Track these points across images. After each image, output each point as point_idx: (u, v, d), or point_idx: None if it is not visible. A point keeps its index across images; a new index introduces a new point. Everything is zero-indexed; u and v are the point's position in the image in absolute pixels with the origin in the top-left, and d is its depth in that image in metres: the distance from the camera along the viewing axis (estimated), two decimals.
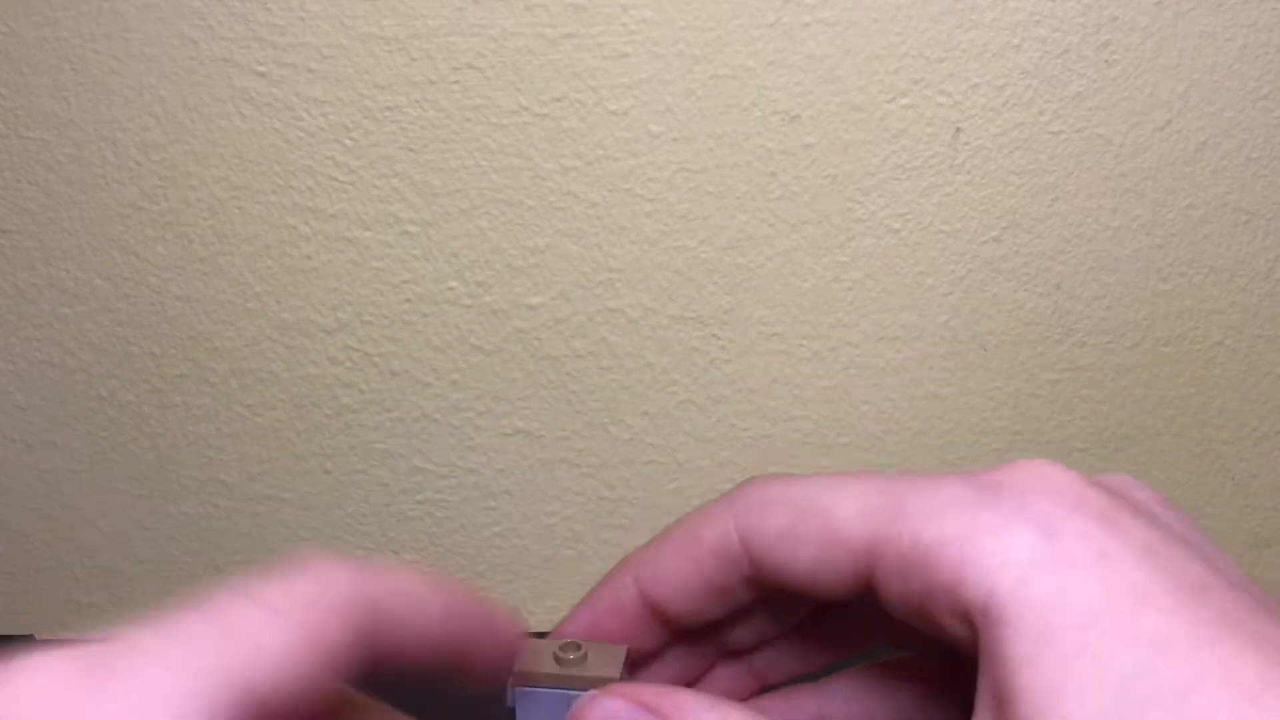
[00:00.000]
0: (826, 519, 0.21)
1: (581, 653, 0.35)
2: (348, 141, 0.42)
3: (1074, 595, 0.17)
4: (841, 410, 0.46)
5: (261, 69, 0.41)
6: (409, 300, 0.44)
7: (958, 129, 0.42)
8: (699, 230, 0.43)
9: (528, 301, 0.44)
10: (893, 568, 0.20)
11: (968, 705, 0.19)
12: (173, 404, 0.45)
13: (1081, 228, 0.43)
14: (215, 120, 0.42)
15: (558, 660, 0.35)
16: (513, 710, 0.36)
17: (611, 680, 0.35)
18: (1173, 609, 0.17)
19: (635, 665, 0.28)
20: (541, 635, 0.36)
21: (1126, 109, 0.41)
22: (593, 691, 0.24)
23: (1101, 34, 0.40)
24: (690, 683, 0.27)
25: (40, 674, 0.17)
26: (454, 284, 0.44)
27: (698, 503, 0.52)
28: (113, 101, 0.41)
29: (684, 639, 0.26)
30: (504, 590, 0.48)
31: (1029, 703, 0.17)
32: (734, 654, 0.26)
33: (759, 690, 0.26)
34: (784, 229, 0.43)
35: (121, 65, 0.41)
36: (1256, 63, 0.41)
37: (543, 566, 0.48)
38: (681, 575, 0.25)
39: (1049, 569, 0.18)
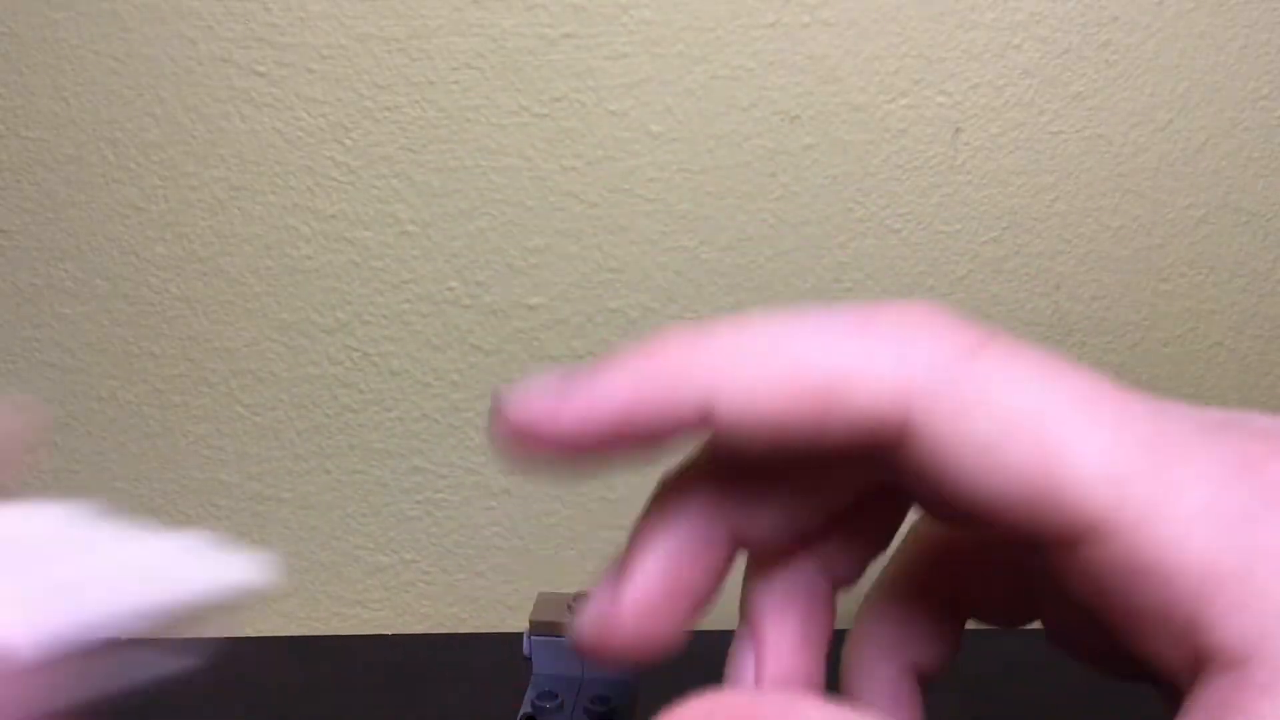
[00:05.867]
0: (1051, 457, 0.16)
1: None
2: (347, 141, 0.42)
3: None
4: None
5: (261, 69, 0.41)
6: (409, 300, 0.44)
7: (958, 129, 0.42)
8: (699, 230, 0.43)
9: (528, 302, 0.44)
10: (1120, 566, 0.16)
11: None
12: (173, 404, 0.45)
13: (1081, 228, 0.43)
14: (215, 120, 0.41)
15: (571, 611, 0.36)
16: (529, 659, 0.36)
17: None
18: None
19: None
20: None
21: (1126, 109, 0.41)
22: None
23: (1101, 34, 0.40)
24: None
25: None
26: (454, 284, 0.44)
27: None
28: (113, 101, 0.41)
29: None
30: (504, 590, 0.48)
31: None
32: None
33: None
34: (784, 229, 0.43)
35: (121, 65, 0.41)
36: (1256, 63, 0.41)
37: (543, 566, 0.48)
38: (795, 430, 0.18)
39: None
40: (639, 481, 0.46)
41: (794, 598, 0.21)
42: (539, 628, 0.36)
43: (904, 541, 0.23)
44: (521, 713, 0.36)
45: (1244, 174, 0.42)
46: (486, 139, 0.42)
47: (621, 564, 0.21)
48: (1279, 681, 0.15)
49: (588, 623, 0.20)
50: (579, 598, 0.37)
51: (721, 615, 0.49)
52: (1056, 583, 0.17)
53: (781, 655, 0.20)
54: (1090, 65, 0.41)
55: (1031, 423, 0.16)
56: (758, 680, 0.20)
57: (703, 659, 0.40)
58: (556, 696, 0.36)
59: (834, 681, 0.22)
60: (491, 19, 0.40)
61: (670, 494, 0.20)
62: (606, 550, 0.47)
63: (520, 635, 0.37)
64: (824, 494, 0.20)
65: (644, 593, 0.20)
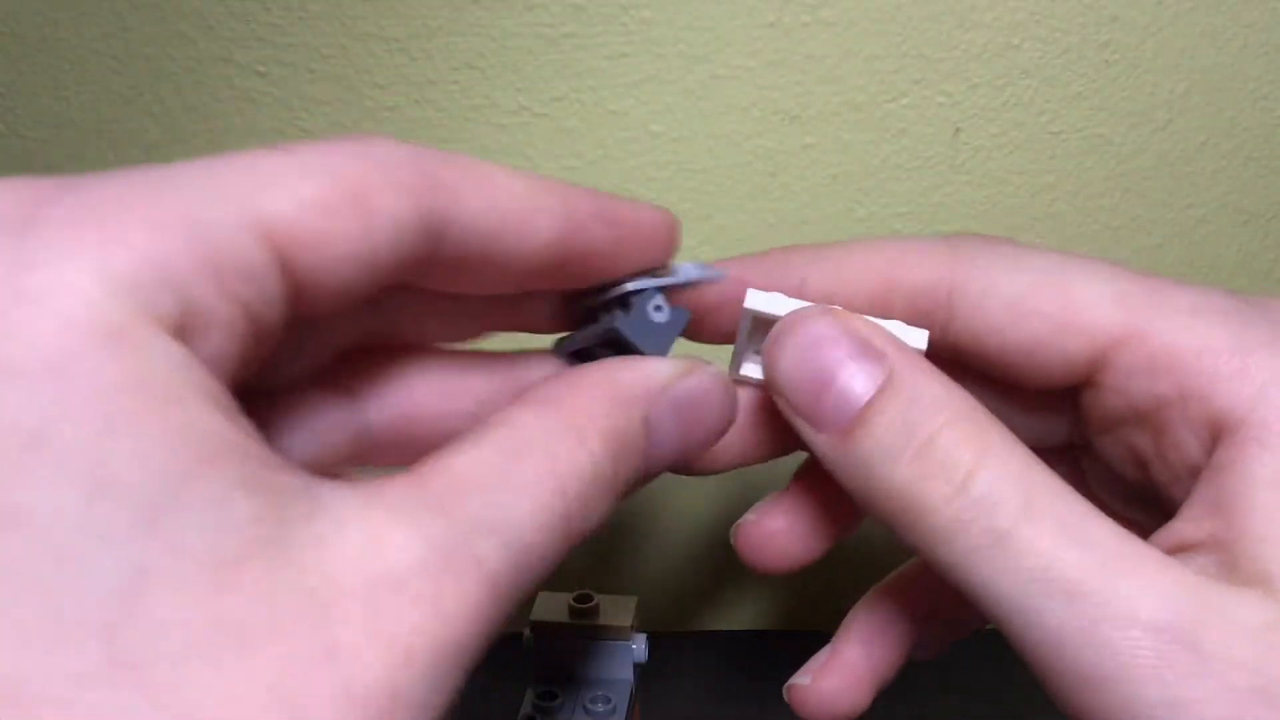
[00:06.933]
0: (1069, 294, 0.20)
1: (594, 602, 0.36)
2: None
3: None
4: None
5: (261, 69, 0.41)
6: None
7: (958, 129, 0.42)
8: (699, 230, 0.43)
9: None
10: (1138, 364, 0.20)
11: None
12: None
13: (1081, 228, 0.43)
14: (215, 120, 0.41)
15: (571, 610, 0.36)
16: (529, 659, 0.36)
17: (623, 628, 0.36)
18: None
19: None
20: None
21: (1126, 109, 0.41)
22: (801, 307, 0.21)
23: (1101, 34, 0.40)
24: None
25: None
26: None
27: (699, 505, 0.52)
28: (113, 101, 0.41)
29: None
30: None
31: (1265, 518, 0.17)
32: None
33: None
34: (784, 229, 0.43)
35: (121, 65, 0.41)
36: (1256, 63, 0.41)
37: None
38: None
39: None
40: None
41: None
42: (539, 628, 0.36)
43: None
44: (521, 713, 0.36)
45: (1244, 174, 0.42)
46: (486, 139, 0.42)
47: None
48: (1269, 435, 0.18)
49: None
50: (579, 597, 0.37)
51: (722, 616, 0.49)
52: (1089, 424, 0.21)
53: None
54: (1090, 65, 0.41)
55: (1049, 273, 0.20)
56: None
57: (703, 659, 0.40)
58: (556, 696, 0.36)
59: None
60: (491, 19, 0.40)
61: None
62: (606, 550, 0.47)
63: (520, 635, 0.37)
64: None
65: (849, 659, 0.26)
